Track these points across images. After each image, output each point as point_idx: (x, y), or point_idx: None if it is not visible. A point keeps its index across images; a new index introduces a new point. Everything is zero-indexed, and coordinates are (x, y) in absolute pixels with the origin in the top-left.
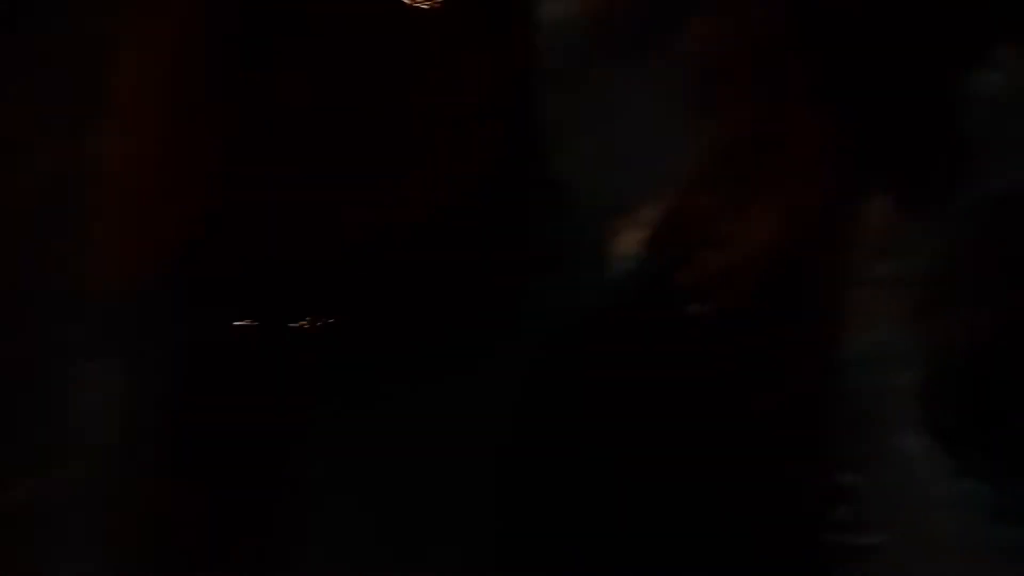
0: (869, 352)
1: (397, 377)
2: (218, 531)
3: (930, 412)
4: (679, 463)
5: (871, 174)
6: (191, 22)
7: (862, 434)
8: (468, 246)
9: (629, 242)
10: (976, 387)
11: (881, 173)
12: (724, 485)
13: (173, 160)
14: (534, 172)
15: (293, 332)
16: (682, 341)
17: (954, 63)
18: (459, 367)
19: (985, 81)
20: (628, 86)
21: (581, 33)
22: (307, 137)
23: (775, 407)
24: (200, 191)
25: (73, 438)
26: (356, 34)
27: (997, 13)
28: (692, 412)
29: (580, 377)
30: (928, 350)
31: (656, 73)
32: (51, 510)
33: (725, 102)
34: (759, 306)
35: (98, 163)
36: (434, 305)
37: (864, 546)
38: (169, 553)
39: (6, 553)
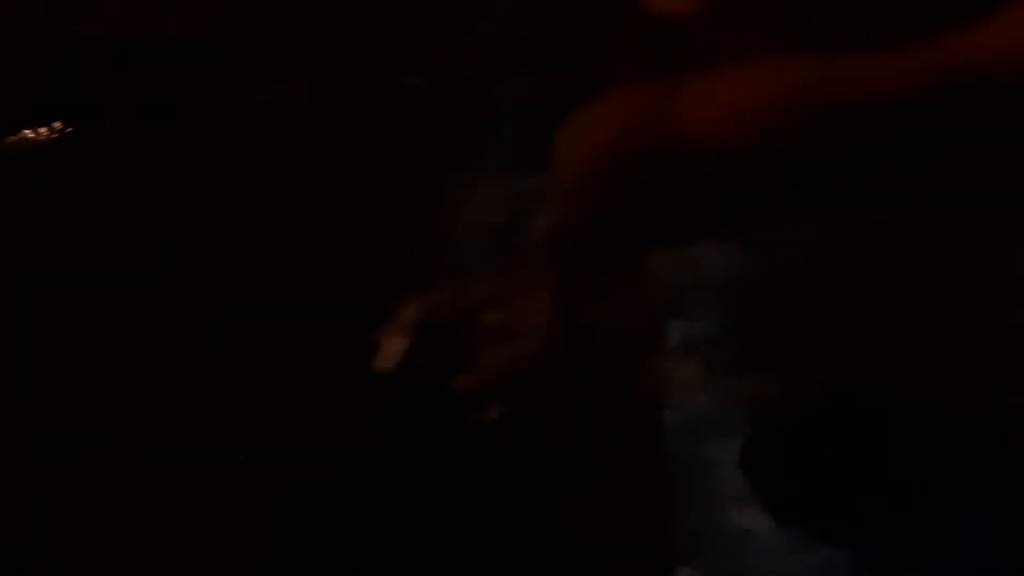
0: (688, 423)
1: None
2: None
3: (754, 482)
4: None
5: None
6: None
7: (693, 513)
8: None
9: (395, 346)
10: (794, 452)
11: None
12: None
13: None
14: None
15: None
16: (471, 451)
17: None
18: None
19: None
20: None
21: None
22: None
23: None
24: None
25: None
26: None
27: None
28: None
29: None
30: (741, 416)
31: None
32: None
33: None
34: (553, 398)
35: None
36: None
37: None
38: None
39: None
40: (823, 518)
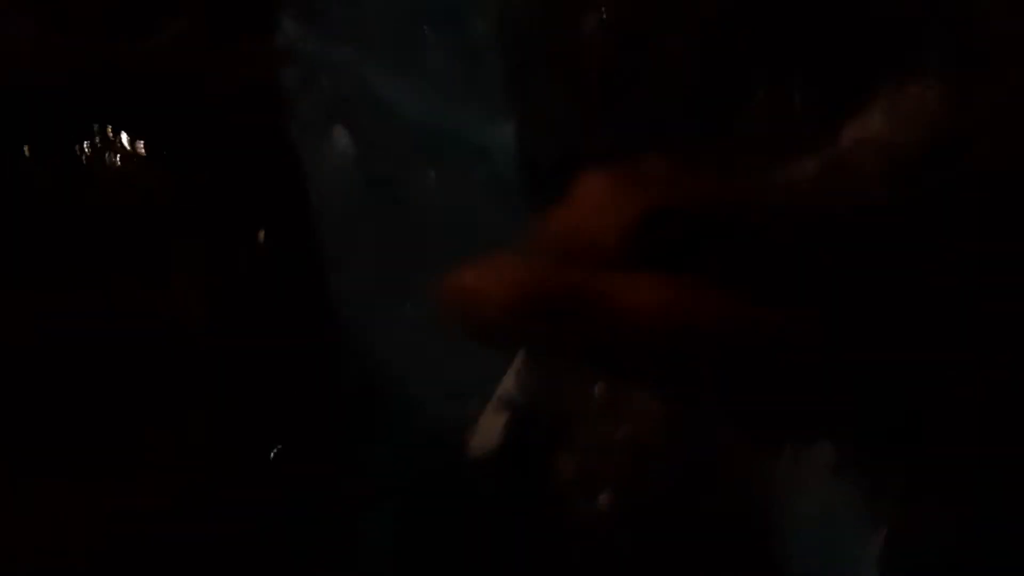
0: (819, 513)
1: None
2: None
3: None
4: None
5: None
6: None
7: None
8: None
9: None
10: (946, 551)
11: None
12: None
13: None
14: None
15: None
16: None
17: None
18: None
19: None
20: None
21: None
22: None
23: None
24: None
25: None
26: None
27: None
28: None
29: None
30: (883, 506)
31: None
32: None
33: None
34: (670, 485)
35: None
36: None
37: None
38: None
39: None
40: None
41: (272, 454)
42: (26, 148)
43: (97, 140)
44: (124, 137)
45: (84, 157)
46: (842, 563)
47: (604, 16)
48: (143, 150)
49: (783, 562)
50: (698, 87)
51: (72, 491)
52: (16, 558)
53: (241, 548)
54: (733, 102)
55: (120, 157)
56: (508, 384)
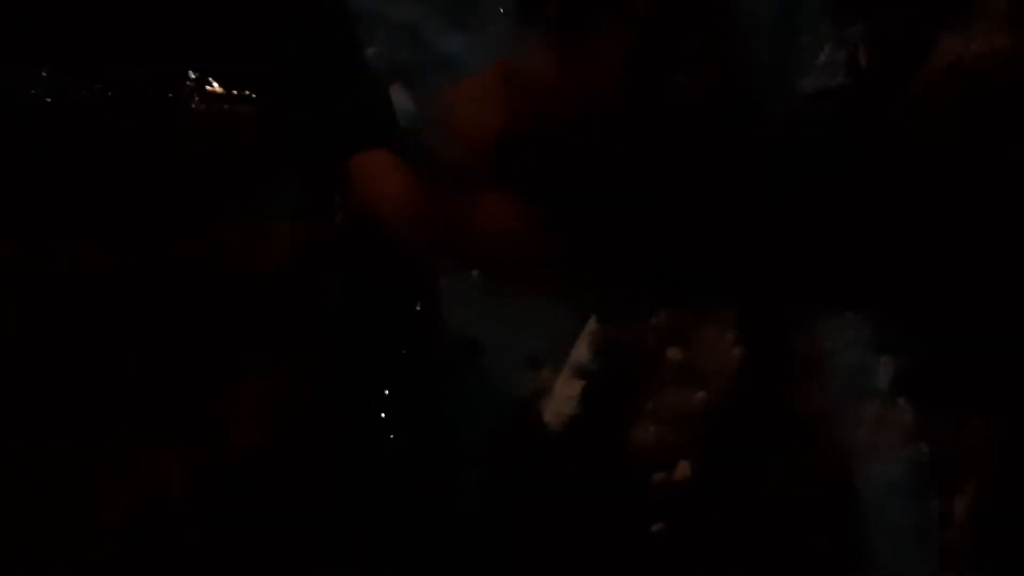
0: (904, 476)
1: None
2: None
3: (986, 543)
4: None
5: None
6: None
7: None
8: None
9: (569, 390)
10: None
11: None
12: None
13: None
14: None
15: None
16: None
17: None
18: None
19: None
20: None
21: None
22: None
23: None
24: None
25: None
26: None
27: None
28: None
29: None
30: (968, 467)
31: None
32: None
33: None
34: (742, 452)
35: None
36: None
37: None
38: None
39: None
40: None
41: (371, 410)
42: (114, 96)
43: (189, 85)
44: (215, 82)
45: (176, 102)
46: (927, 528)
47: None
48: (235, 93)
49: (864, 528)
50: None
51: (168, 441)
52: (112, 512)
53: (337, 499)
54: None
55: (212, 101)
56: (581, 351)
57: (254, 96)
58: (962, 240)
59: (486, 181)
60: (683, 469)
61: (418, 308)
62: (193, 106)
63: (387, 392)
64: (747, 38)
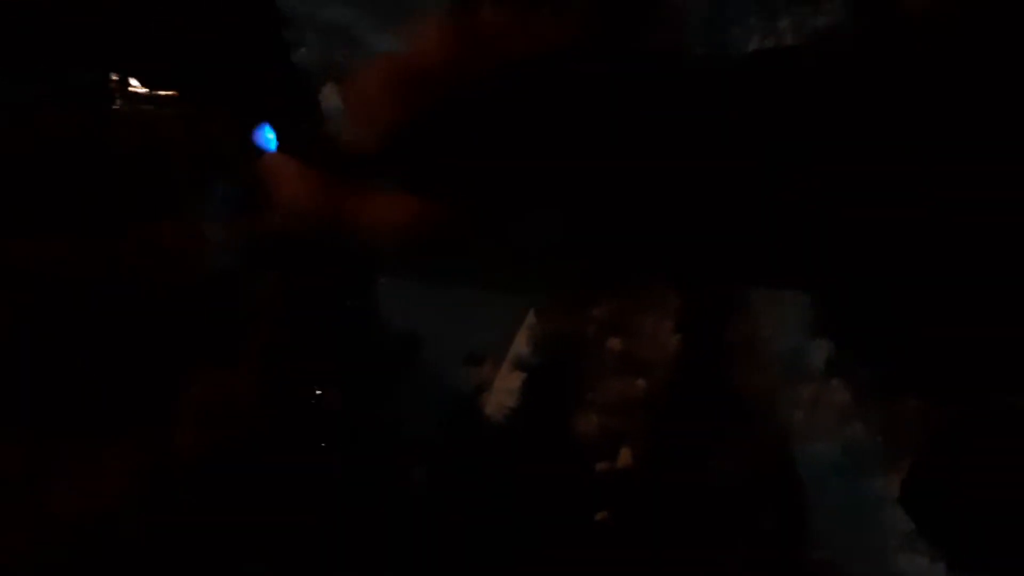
0: (841, 456)
1: None
2: None
3: (922, 521)
4: None
5: None
6: None
7: (851, 558)
8: None
9: (510, 383)
10: (968, 484)
11: None
12: None
13: None
14: None
15: None
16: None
17: None
18: None
19: None
20: None
21: None
22: None
23: None
24: None
25: None
26: None
27: None
28: None
29: None
30: (903, 446)
31: None
32: None
33: None
34: (682, 437)
35: None
36: None
37: None
38: None
39: None
40: (1003, 561)
41: (310, 405)
42: (44, 98)
43: (113, 87)
44: (138, 84)
45: (105, 105)
46: (864, 505)
47: None
48: (161, 95)
49: (803, 507)
50: None
51: (114, 444)
52: (60, 511)
53: (279, 497)
54: None
55: (138, 103)
56: (521, 344)
57: (180, 97)
58: (894, 224)
59: (384, 174)
60: (625, 457)
61: (352, 304)
62: (121, 108)
63: (325, 389)
64: (680, 31)
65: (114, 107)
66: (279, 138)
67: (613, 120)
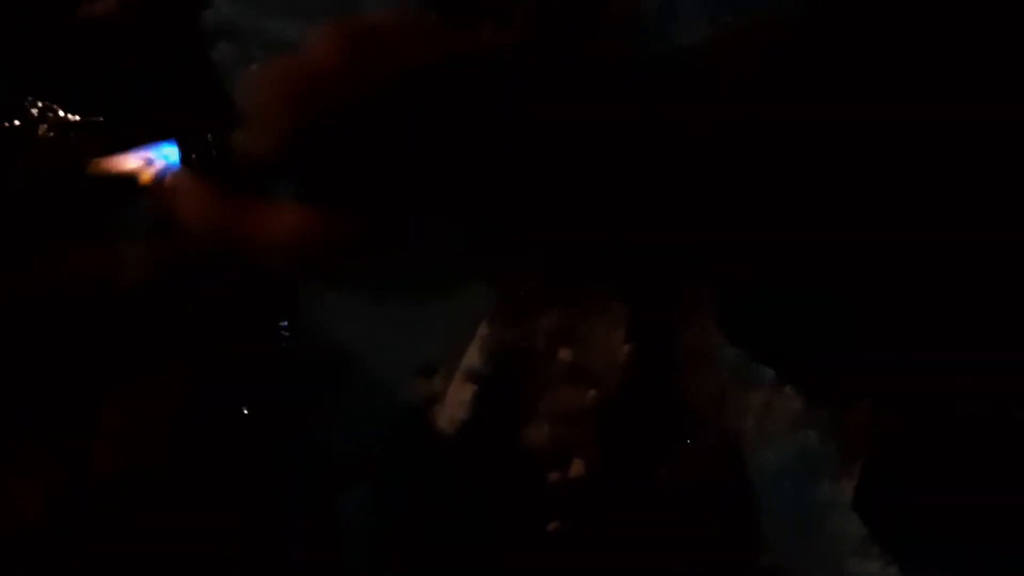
0: (793, 463)
1: None
2: None
3: (874, 526)
4: None
5: None
6: None
7: (804, 564)
8: None
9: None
10: (919, 488)
11: None
12: None
13: None
14: None
15: None
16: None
17: None
18: None
19: None
20: None
21: None
22: None
23: None
24: None
25: None
26: None
27: None
28: None
29: None
30: (855, 452)
31: None
32: None
33: None
34: (633, 447)
35: None
36: None
37: None
38: None
39: None
40: (956, 565)
41: (237, 424)
42: None
43: (36, 113)
44: (62, 110)
45: (24, 130)
46: (816, 511)
47: None
48: (80, 120)
49: (755, 513)
50: None
51: (29, 465)
52: None
53: (208, 519)
54: None
55: (59, 128)
56: (472, 357)
57: (100, 122)
58: (842, 232)
59: (285, 184)
60: (577, 467)
61: (280, 323)
62: (40, 133)
63: (249, 409)
64: (628, 37)
65: (32, 131)
66: (183, 154)
67: (515, 126)
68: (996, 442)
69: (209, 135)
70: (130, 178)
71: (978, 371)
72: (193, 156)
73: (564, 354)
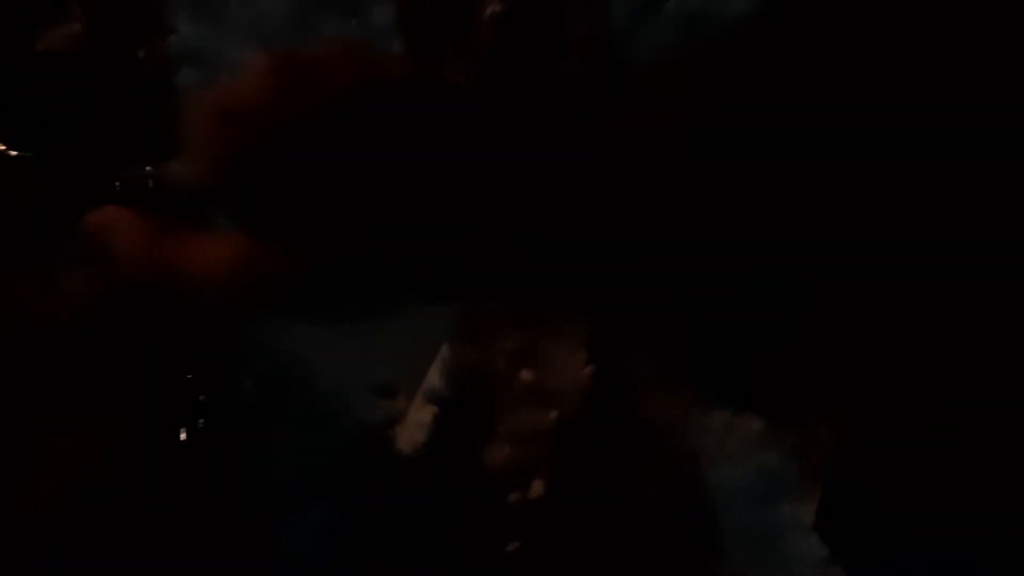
0: (753, 483)
1: None
2: None
3: (835, 548)
4: None
5: None
6: None
7: None
8: None
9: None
10: (880, 510)
11: None
12: None
13: None
14: None
15: None
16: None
17: None
18: None
19: None
20: None
21: None
22: None
23: None
24: None
25: None
26: None
27: None
28: None
29: None
30: (814, 472)
31: None
32: None
33: None
34: (594, 467)
35: None
36: None
37: None
38: None
39: None
40: None
41: (179, 450)
42: None
43: None
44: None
45: None
46: (776, 531)
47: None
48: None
49: (714, 534)
50: None
51: None
52: None
53: (155, 548)
54: None
55: None
56: (433, 378)
57: (37, 155)
58: (798, 241)
59: (220, 213)
60: (537, 487)
61: (214, 354)
62: None
63: (186, 441)
64: (590, 55)
65: None
66: (120, 185)
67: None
68: (957, 462)
69: (146, 165)
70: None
71: (940, 390)
72: (129, 186)
73: (525, 375)
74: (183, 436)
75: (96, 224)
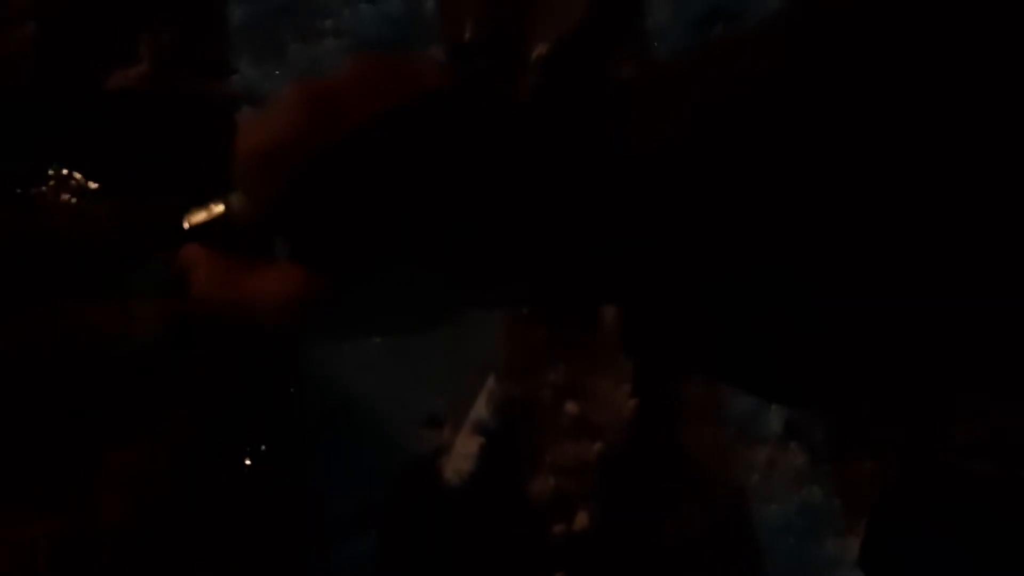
0: (797, 518)
1: None
2: None
3: None
4: None
5: None
6: None
7: None
8: None
9: (468, 447)
10: (924, 545)
11: None
12: None
13: None
14: None
15: None
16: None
17: None
18: None
19: None
20: None
21: None
22: None
23: None
24: None
25: None
26: None
27: None
28: None
29: None
30: (859, 507)
31: None
32: None
33: None
34: (639, 500)
35: None
36: None
37: None
38: None
39: None
40: None
41: (240, 475)
42: None
43: (52, 179)
44: (78, 175)
45: (45, 195)
46: (820, 567)
47: None
48: (95, 186)
49: (758, 569)
50: None
51: (34, 514)
52: None
53: (209, 569)
54: None
55: (78, 194)
56: (480, 409)
57: (117, 188)
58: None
59: (275, 245)
60: (582, 519)
61: (279, 378)
62: (61, 198)
63: (248, 460)
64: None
65: (51, 196)
66: (191, 220)
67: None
68: (1001, 499)
69: (213, 200)
70: (144, 241)
71: (984, 428)
72: (200, 222)
73: (570, 407)
74: (247, 461)
75: (183, 258)
